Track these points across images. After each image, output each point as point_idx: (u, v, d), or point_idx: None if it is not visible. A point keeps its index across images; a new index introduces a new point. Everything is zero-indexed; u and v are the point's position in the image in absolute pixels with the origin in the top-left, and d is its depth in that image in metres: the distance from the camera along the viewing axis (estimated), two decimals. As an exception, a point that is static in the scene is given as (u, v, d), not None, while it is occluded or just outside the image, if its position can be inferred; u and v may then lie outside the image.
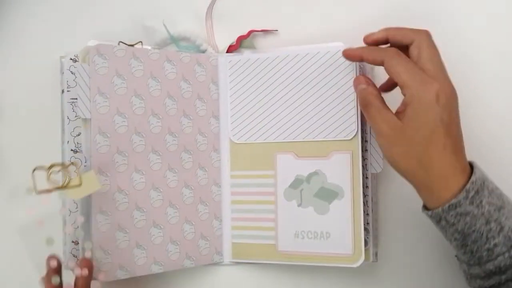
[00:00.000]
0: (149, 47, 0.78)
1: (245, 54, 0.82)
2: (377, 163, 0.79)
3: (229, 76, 0.82)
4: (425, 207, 0.67)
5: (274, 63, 0.79)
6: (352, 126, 0.76)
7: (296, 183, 0.78)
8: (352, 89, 0.75)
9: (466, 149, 0.67)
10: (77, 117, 0.74)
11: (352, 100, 0.76)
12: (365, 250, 0.76)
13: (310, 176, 0.78)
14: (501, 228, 0.61)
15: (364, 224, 0.77)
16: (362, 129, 0.77)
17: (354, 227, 0.75)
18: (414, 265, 0.82)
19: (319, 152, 0.78)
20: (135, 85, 0.74)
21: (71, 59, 0.76)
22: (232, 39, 0.83)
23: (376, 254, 0.80)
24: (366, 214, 0.78)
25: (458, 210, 0.62)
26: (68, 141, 0.76)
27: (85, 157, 0.73)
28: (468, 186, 0.62)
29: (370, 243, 0.78)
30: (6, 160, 0.81)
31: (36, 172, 0.66)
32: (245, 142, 0.81)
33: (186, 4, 0.85)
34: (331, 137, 0.77)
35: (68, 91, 0.76)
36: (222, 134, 0.82)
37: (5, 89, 0.82)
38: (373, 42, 0.69)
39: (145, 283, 0.81)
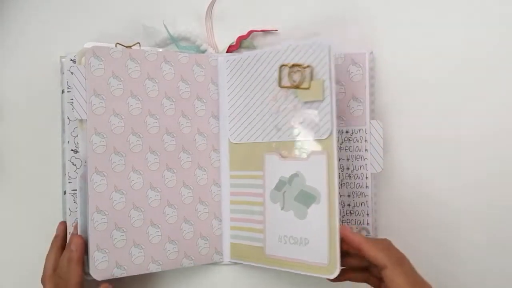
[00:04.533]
0: (147, 48, 0.78)
1: (240, 53, 0.81)
2: (377, 163, 0.78)
3: (227, 75, 0.81)
4: None
5: (260, 61, 0.78)
6: (327, 125, 0.71)
7: (280, 185, 0.75)
8: (327, 83, 0.71)
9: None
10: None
11: (328, 96, 0.71)
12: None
13: (292, 178, 0.74)
14: None
15: (364, 224, 0.77)
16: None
17: (330, 234, 0.70)
18: (414, 265, 0.81)
19: (300, 152, 0.74)
20: (131, 86, 0.75)
21: (71, 59, 0.77)
22: (232, 39, 0.84)
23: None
24: (366, 214, 0.78)
25: None
26: (68, 141, 0.77)
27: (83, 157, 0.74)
28: None
29: (370, 243, 0.78)
30: (6, 160, 0.83)
31: (282, 67, 0.73)
32: (240, 142, 0.80)
33: (186, 4, 0.85)
34: (309, 137, 0.73)
35: (68, 91, 0.77)
36: (222, 134, 0.82)
37: (5, 89, 0.83)
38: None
39: (147, 282, 0.82)
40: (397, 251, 0.68)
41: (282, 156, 0.75)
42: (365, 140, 0.78)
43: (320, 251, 0.70)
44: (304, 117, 0.73)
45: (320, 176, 0.71)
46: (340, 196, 0.80)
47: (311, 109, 0.72)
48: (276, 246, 0.75)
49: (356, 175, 0.79)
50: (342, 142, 0.80)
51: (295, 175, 0.74)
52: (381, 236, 0.81)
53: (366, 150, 0.78)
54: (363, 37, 0.82)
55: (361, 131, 0.79)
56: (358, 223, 0.79)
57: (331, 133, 0.71)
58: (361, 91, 0.79)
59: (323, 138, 0.71)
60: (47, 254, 0.75)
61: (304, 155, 0.73)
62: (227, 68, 0.81)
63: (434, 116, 0.81)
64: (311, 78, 0.71)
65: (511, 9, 0.80)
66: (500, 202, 0.79)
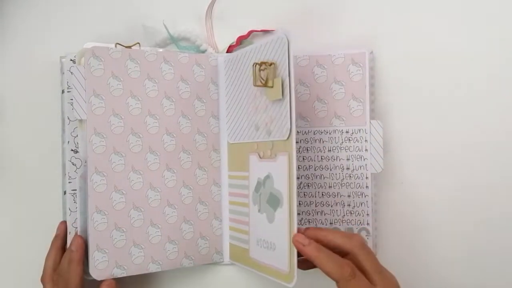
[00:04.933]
0: (147, 48, 0.78)
1: (234, 53, 0.81)
2: (377, 163, 0.78)
3: (224, 75, 0.81)
4: None
5: (244, 59, 0.77)
6: (287, 125, 0.68)
7: (258, 187, 0.74)
8: (286, 82, 0.68)
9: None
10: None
11: (287, 95, 0.67)
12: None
13: (265, 179, 0.72)
14: None
15: (364, 224, 0.77)
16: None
17: (290, 241, 0.67)
18: (414, 265, 0.81)
19: (271, 153, 0.71)
20: (131, 86, 0.75)
21: (71, 60, 0.77)
22: (232, 39, 0.83)
23: (375, 255, 0.80)
24: (366, 214, 0.78)
25: None
26: (68, 141, 0.77)
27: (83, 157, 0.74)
28: None
29: (370, 244, 0.78)
30: (6, 160, 0.83)
31: (255, 66, 0.70)
32: (234, 142, 0.80)
33: (186, 4, 0.85)
34: (277, 136, 0.70)
35: (68, 91, 0.77)
36: (222, 134, 0.82)
37: (5, 89, 0.83)
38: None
39: (146, 282, 0.82)
40: (358, 254, 0.65)
41: (260, 157, 0.74)
42: (365, 140, 0.78)
43: (282, 257, 0.68)
44: (272, 116, 0.71)
45: (283, 179, 0.68)
46: (340, 196, 0.80)
47: (276, 108, 0.70)
48: (255, 249, 0.74)
49: (356, 175, 0.79)
50: (342, 142, 0.80)
51: (267, 176, 0.72)
52: (381, 236, 0.81)
53: (366, 150, 0.78)
54: (363, 37, 0.82)
55: (361, 131, 0.78)
56: (358, 223, 0.79)
57: (290, 134, 0.67)
58: (361, 91, 0.79)
59: (285, 138, 0.68)
60: (47, 254, 0.75)
61: (274, 156, 0.71)
62: (224, 68, 0.81)
63: (434, 116, 0.81)
64: (274, 76, 0.69)
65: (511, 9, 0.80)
66: (501, 202, 0.79)
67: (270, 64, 0.69)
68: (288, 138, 0.67)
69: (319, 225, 0.80)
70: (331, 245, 0.66)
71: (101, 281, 0.73)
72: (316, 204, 0.80)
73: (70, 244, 0.73)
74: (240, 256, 0.78)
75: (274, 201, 0.70)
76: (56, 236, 0.77)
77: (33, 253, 0.77)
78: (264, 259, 0.72)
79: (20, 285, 0.82)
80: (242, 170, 0.78)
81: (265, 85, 0.70)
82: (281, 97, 0.68)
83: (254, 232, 0.75)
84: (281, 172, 0.68)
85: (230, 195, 0.81)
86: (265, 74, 0.70)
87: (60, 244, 0.76)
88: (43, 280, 0.74)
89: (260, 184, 0.73)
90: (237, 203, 0.79)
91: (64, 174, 0.78)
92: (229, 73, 0.80)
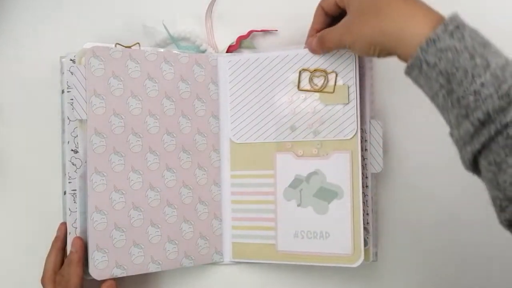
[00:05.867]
0: (147, 48, 0.78)
1: (245, 54, 0.82)
2: (377, 163, 0.78)
3: (229, 76, 0.82)
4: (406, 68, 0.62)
5: (274, 62, 0.79)
6: (352, 126, 0.76)
7: (296, 183, 0.78)
8: (352, 88, 0.76)
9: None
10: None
11: (353, 99, 0.76)
12: (365, 250, 0.76)
13: (310, 175, 0.78)
14: (488, 65, 0.54)
15: (364, 224, 0.77)
16: (361, 129, 0.77)
17: (354, 227, 0.76)
18: (414, 265, 0.81)
19: (319, 151, 0.77)
20: (131, 86, 0.75)
21: (71, 59, 0.77)
22: (232, 39, 0.84)
23: (376, 254, 0.80)
24: (366, 214, 0.78)
25: (438, 45, 0.56)
26: (68, 141, 0.76)
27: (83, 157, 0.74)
28: (446, 20, 0.57)
29: (370, 243, 0.78)
30: (6, 160, 0.83)
31: (302, 71, 0.78)
32: (245, 142, 0.81)
33: (186, 4, 0.85)
34: (330, 136, 0.77)
35: (68, 91, 0.77)
36: (222, 134, 0.82)
37: (5, 89, 0.84)
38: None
39: (146, 282, 0.82)
40: None
41: (297, 155, 0.78)
42: (365, 140, 0.78)
43: (343, 243, 0.76)
44: (325, 118, 0.77)
45: (343, 174, 0.76)
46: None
47: (333, 111, 0.77)
48: (291, 241, 0.78)
49: (356, 175, 0.80)
50: (342, 142, 0.80)
51: (314, 173, 0.78)
52: (381, 236, 0.81)
53: (366, 150, 0.78)
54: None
55: (361, 131, 0.78)
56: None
57: (356, 133, 0.76)
58: (362, 91, 0.79)
59: (348, 138, 0.76)
60: (47, 255, 0.75)
61: (324, 154, 0.77)
62: (229, 68, 0.82)
63: (434, 116, 0.80)
64: (335, 83, 0.76)
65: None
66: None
67: (329, 72, 0.77)
68: (353, 137, 0.76)
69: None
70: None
71: (101, 281, 0.73)
72: (316, 204, 0.81)
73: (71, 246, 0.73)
74: (258, 253, 0.80)
75: (327, 194, 0.77)
76: (56, 238, 0.77)
77: (33, 254, 0.77)
78: (308, 248, 0.77)
79: (20, 286, 0.82)
80: (261, 169, 0.80)
81: (320, 90, 0.77)
82: (347, 101, 0.76)
83: (289, 226, 0.79)
84: (339, 168, 0.76)
85: (238, 194, 0.82)
86: (320, 80, 0.77)
87: (60, 245, 0.76)
88: (43, 281, 0.74)
89: (299, 181, 0.78)
90: (252, 201, 0.81)
91: (64, 174, 0.78)
92: (243, 74, 0.81)
